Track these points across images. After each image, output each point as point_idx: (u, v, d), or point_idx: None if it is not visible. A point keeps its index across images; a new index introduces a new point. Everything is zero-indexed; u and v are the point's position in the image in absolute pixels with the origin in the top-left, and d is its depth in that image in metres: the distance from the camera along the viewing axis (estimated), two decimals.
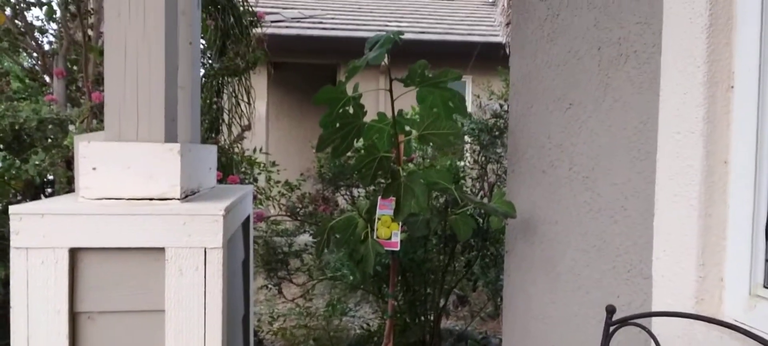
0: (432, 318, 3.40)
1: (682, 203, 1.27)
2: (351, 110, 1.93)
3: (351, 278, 3.49)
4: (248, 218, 1.71)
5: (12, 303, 1.06)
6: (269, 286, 3.92)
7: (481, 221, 3.31)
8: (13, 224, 1.05)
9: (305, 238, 4.05)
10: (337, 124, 1.92)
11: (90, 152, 1.15)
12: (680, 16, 1.28)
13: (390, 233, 1.98)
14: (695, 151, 1.23)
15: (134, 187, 1.16)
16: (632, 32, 1.48)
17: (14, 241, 1.06)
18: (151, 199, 1.16)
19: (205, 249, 1.11)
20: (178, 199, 1.17)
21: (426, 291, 3.42)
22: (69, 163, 2.51)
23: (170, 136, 1.25)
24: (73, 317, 1.10)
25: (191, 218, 1.11)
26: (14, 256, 1.06)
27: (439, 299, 3.41)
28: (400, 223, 1.98)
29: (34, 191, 2.62)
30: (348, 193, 4.12)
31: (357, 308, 4.25)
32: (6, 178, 2.32)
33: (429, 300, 3.41)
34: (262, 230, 3.91)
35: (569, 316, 1.78)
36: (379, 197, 2.03)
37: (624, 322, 1.23)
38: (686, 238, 1.25)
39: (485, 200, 3.72)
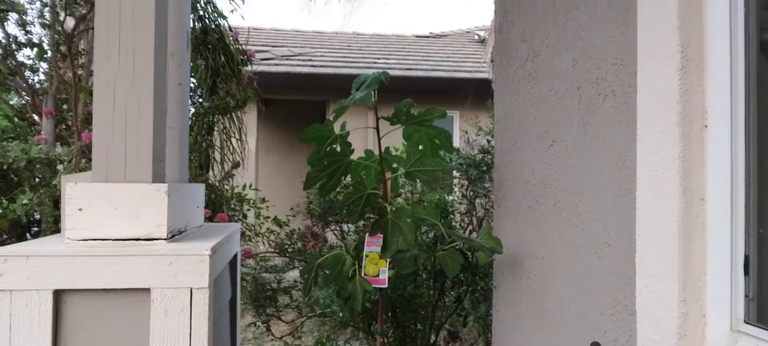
0: None
1: (662, 239, 1.29)
2: (338, 148, 1.95)
3: (340, 315, 3.46)
4: (236, 256, 1.71)
5: None
6: (257, 323, 3.87)
7: (470, 255, 3.31)
8: None
9: (294, 274, 4.03)
10: (325, 162, 1.94)
11: (76, 193, 1.16)
12: (654, 58, 1.33)
13: (378, 270, 1.98)
14: (672, 188, 1.26)
15: (120, 227, 1.17)
16: (609, 72, 1.53)
17: None
18: (137, 239, 1.17)
19: (191, 289, 1.12)
20: (165, 239, 1.18)
21: (416, 327, 3.40)
22: (56, 202, 2.50)
23: (158, 177, 1.26)
24: None
25: (177, 258, 1.12)
26: None
27: (429, 335, 3.39)
28: (388, 260, 1.99)
29: (19, 231, 2.60)
30: (338, 228, 4.12)
31: (347, 345, 4.19)
32: None
33: (419, 336, 3.39)
34: (251, 266, 3.89)
35: None
36: (367, 235, 2.03)
37: None
38: (667, 274, 1.27)
39: (474, 235, 3.73)
